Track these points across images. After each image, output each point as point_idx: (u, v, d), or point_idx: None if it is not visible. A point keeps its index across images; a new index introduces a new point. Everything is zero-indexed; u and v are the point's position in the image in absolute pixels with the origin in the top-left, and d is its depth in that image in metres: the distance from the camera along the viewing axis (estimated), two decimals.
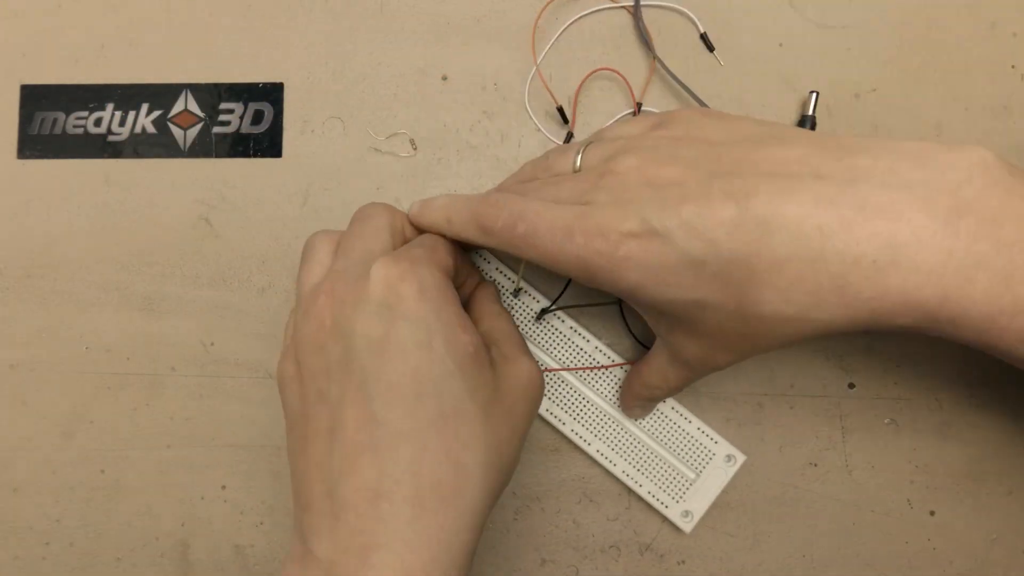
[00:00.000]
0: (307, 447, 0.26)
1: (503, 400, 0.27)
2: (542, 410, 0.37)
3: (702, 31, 0.39)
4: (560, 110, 0.39)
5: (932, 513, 0.38)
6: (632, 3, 0.39)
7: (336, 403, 0.25)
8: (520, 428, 0.27)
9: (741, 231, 0.24)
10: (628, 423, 0.37)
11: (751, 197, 0.24)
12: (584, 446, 0.37)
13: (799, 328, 0.25)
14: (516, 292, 0.37)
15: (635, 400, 0.34)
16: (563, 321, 0.37)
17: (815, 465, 0.38)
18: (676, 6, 0.39)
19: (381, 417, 0.24)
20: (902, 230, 0.23)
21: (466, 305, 0.33)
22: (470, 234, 0.29)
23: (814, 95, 0.38)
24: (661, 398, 0.34)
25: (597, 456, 0.37)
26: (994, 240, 0.23)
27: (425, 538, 0.23)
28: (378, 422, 0.24)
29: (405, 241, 0.30)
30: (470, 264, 0.33)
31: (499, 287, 0.37)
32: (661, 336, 0.30)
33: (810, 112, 0.38)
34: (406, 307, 0.25)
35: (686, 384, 0.31)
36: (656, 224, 0.25)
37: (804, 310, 0.24)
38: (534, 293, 0.38)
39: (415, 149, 0.37)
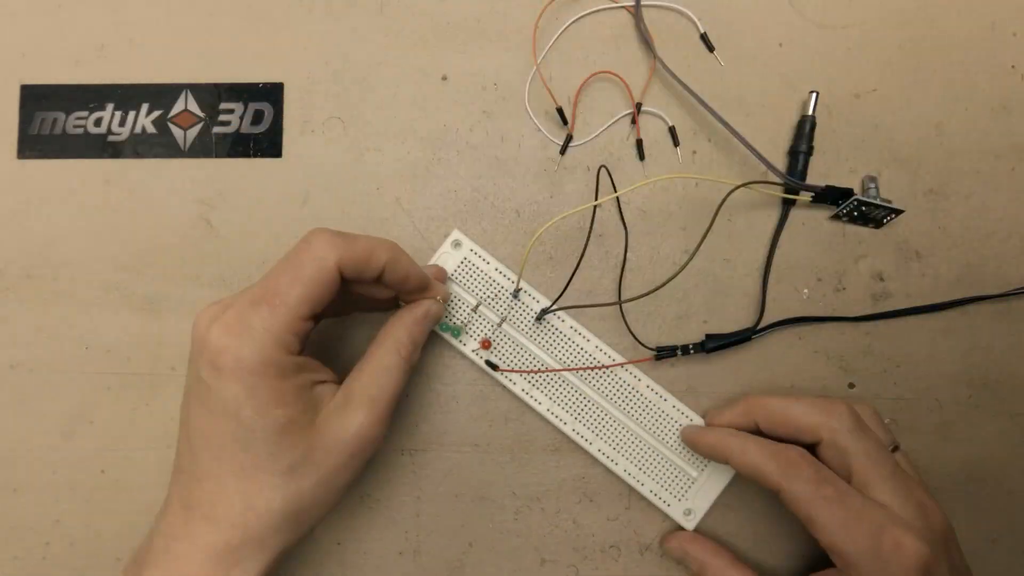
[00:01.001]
0: (181, 434, 0.31)
1: (315, 457, 0.29)
2: (543, 410, 0.37)
3: (702, 31, 0.39)
4: (560, 111, 0.39)
5: None
6: (633, 3, 0.39)
7: (183, 419, 0.31)
8: (331, 480, 0.30)
9: None
10: (630, 422, 0.37)
11: None
12: (586, 445, 0.37)
13: None
14: (516, 293, 0.37)
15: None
16: (563, 321, 0.37)
17: None
18: (676, 6, 0.39)
19: (197, 453, 0.29)
20: None
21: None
22: (767, 467, 0.32)
23: (814, 95, 0.38)
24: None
25: (599, 455, 0.37)
26: None
27: (213, 547, 0.28)
28: (195, 456, 0.29)
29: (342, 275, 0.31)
30: (420, 282, 0.33)
31: (499, 287, 0.37)
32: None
33: (810, 112, 0.38)
34: (224, 377, 0.28)
35: None
36: None
37: None
38: (534, 293, 0.38)
39: None
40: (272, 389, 0.28)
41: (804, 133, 0.38)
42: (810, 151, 0.38)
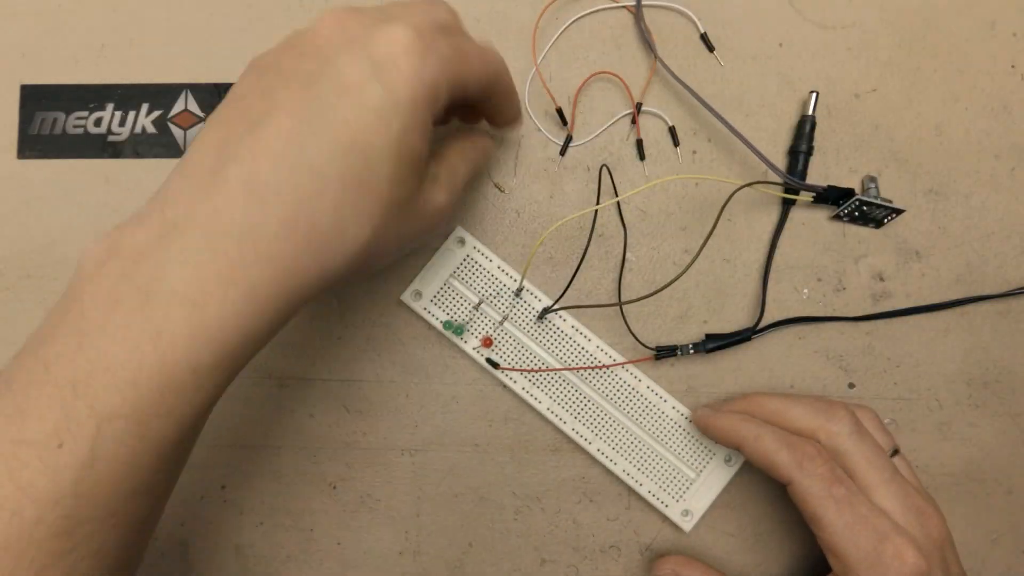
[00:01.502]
0: (225, 123, 0.25)
1: (410, 208, 0.27)
2: (543, 409, 0.37)
3: (702, 31, 0.39)
4: (559, 111, 0.39)
5: None
6: (633, 3, 0.39)
7: (278, 105, 0.24)
8: (403, 236, 0.27)
9: None
10: (629, 422, 0.37)
11: None
12: (585, 445, 0.37)
13: None
14: (518, 292, 0.37)
15: None
16: (564, 320, 0.37)
17: None
18: (676, 6, 0.39)
19: (305, 142, 0.24)
20: None
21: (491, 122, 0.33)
22: (779, 457, 0.31)
23: (814, 95, 0.38)
24: None
25: (598, 455, 0.37)
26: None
27: (276, 254, 0.23)
28: (300, 144, 0.24)
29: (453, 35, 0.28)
30: (510, 117, 0.33)
31: (501, 286, 0.37)
32: None
33: (810, 112, 0.38)
34: (392, 77, 0.25)
35: None
36: None
37: None
38: (536, 292, 0.38)
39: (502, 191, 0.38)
40: (427, 117, 0.26)
41: (804, 133, 0.38)
42: (810, 151, 0.38)
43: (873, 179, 0.38)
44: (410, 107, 0.25)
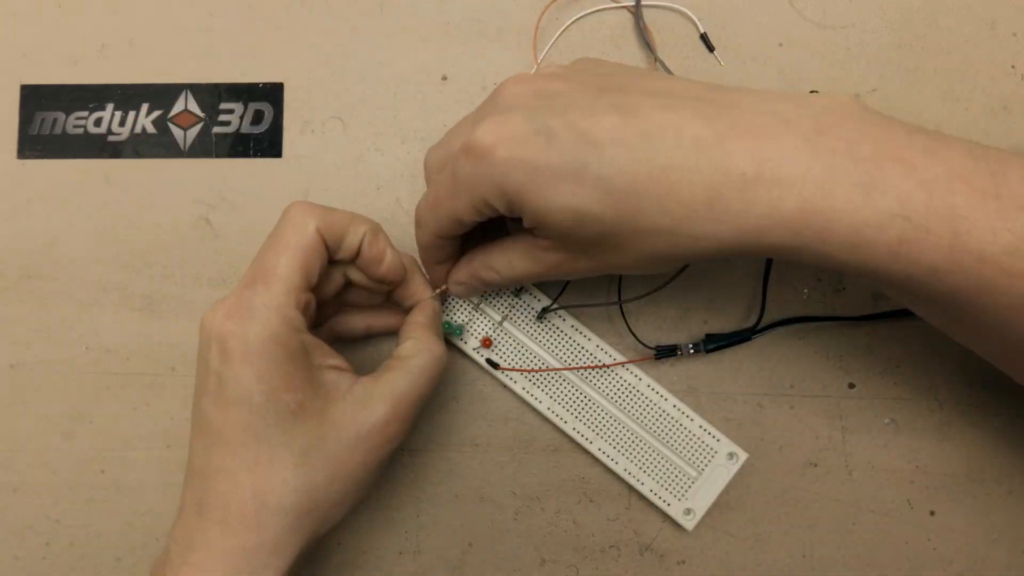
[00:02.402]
0: (191, 454, 0.30)
1: (329, 450, 0.29)
2: (543, 409, 0.37)
3: (702, 31, 0.39)
4: None
5: (932, 513, 0.38)
6: (633, 3, 0.39)
7: (193, 421, 0.30)
8: (346, 475, 0.29)
9: (624, 138, 0.25)
10: (630, 421, 0.37)
11: (635, 109, 0.26)
12: (586, 444, 0.37)
13: (669, 244, 0.26)
14: (518, 291, 0.37)
15: (468, 277, 0.33)
16: (564, 320, 0.37)
17: (815, 465, 0.38)
18: (676, 6, 0.39)
19: (211, 450, 0.29)
20: (768, 146, 0.25)
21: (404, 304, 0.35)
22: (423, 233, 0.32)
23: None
24: (495, 285, 0.33)
25: (599, 454, 0.37)
26: (850, 155, 0.25)
27: (227, 551, 0.28)
28: (208, 453, 0.29)
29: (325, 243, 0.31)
30: (395, 270, 0.33)
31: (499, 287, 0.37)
32: (524, 232, 0.30)
33: None
34: (232, 366, 0.28)
35: (527, 280, 0.32)
36: (540, 125, 0.26)
37: (677, 222, 0.25)
38: (536, 292, 0.38)
39: None
40: (282, 372, 0.28)
41: None
42: None
43: None
44: (257, 382, 0.28)
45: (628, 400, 0.37)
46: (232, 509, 0.28)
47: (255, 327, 0.28)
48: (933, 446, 0.38)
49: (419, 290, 0.34)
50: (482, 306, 0.37)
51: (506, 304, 0.37)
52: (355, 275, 0.33)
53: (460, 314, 0.37)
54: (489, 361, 0.37)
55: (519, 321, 0.37)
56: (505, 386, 0.38)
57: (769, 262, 0.38)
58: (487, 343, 0.37)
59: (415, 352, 0.32)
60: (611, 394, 0.37)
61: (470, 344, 0.37)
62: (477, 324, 0.37)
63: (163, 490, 0.38)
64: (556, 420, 0.37)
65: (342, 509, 0.30)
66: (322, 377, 0.30)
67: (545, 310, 0.37)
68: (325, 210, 0.31)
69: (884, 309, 0.38)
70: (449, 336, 0.37)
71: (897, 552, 0.37)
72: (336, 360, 0.31)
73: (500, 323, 0.37)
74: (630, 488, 0.37)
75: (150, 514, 0.38)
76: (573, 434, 0.37)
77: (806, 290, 0.38)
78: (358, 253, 0.32)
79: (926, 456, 0.38)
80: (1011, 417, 0.38)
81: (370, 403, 0.30)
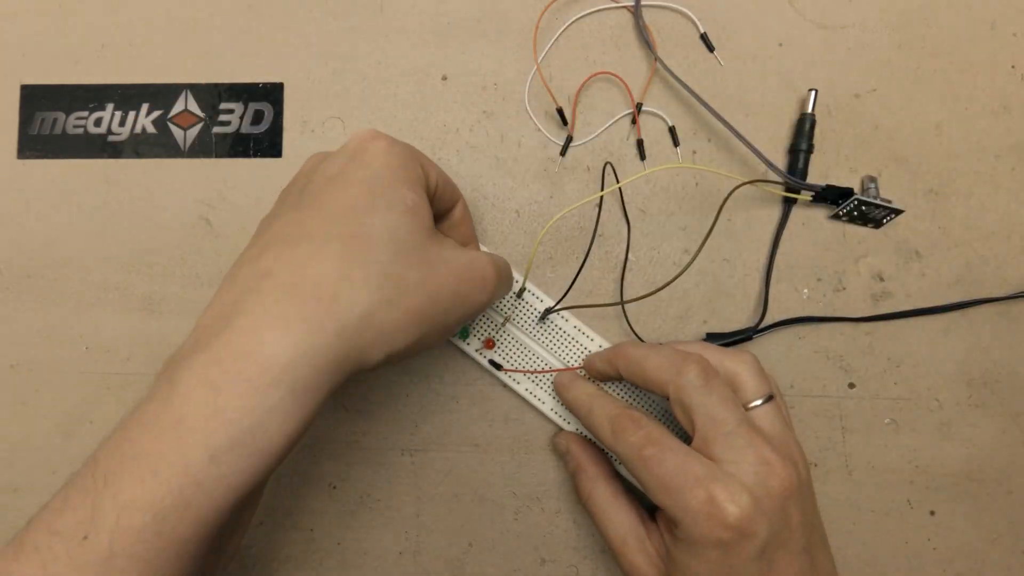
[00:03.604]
0: (246, 251, 0.28)
1: (427, 255, 0.27)
2: (546, 410, 0.37)
3: (702, 31, 0.39)
4: (560, 111, 0.39)
5: (932, 513, 0.38)
6: (633, 3, 0.39)
7: (276, 216, 0.29)
8: (433, 288, 0.27)
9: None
10: None
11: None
12: None
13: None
14: (520, 293, 0.37)
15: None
16: (567, 320, 0.37)
17: (815, 465, 0.38)
18: (676, 6, 0.39)
19: (305, 221, 0.27)
20: None
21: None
22: (602, 432, 0.32)
23: (813, 93, 0.38)
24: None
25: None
26: None
27: (287, 318, 0.24)
28: (300, 224, 0.26)
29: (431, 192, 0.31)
30: (469, 235, 0.34)
31: None
32: (671, 538, 0.31)
33: (810, 110, 0.38)
34: (366, 156, 0.28)
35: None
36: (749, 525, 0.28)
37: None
38: (538, 293, 0.37)
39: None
40: (406, 177, 0.28)
41: (804, 131, 0.38)
42: (810, 149, 0.38)
43: (873, 179, 0.38)
44: (387, 171, 0.28)
45: (630, 400, 0.37)
46: (309, 274, 0.24)
47: (402, 148, 0.29)
48: (933, 446, 0.38)
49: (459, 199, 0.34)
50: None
51: (508, 305, 0.37)
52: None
53: None
54: (492, 362, 0.37)
55: (522, 322, 0.37)
56: (506, 386, 0.38)
57: (771, 261, 0.38)
58: (490, 344, 0.37)
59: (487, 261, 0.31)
60: (613, 394, 0.37)
61: (472, 345, 0.37)
62: (480, 325, 0.37)
63: None
64: (559, 421, 0.37)
65: (404, 339, 0.26)
66: (430, 210, 0.30)
67: (548, 311, 0.37)
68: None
69: (884, 309, 0.38)
70: (452, 338, 0.37)
71: (897, 552, 0.37)
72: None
73: (503, 324, 0.37)
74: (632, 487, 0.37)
75: None
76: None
77: (806, 290, 0.38)
78: (449, 211, 0.33)
79: (926, 456, 0.38)
80: (1011, 417, 0.38)
81: (468, 249, 0.30)
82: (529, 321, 0.37)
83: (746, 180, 0.35)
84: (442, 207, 0.32)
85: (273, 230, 0.27)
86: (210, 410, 0.22)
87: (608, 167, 0.38)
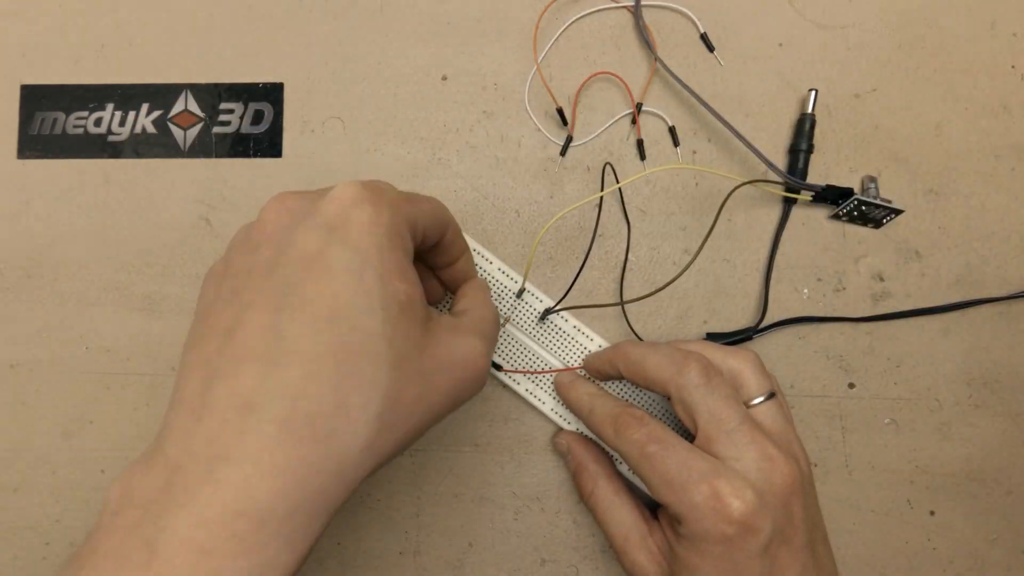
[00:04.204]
0: (200, 343, 0.24)
1: (424, 364, 0.24)
2: (547, 410, 0.37)
3: (702, 31, 0.39)
4: (560, 111, 0.39)
5: (932, 513, 0.38)
6: (633, 3, 0.39)
7: (245, 305, 0.23)
8: (432, 401, 0.25)
9: None
10: None
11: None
12: None
13: None
14: (520, 293, 0.37)
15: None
16: (567, 320, 0.37)
17: (815, 465, 0.38)
18: (676, 6, 0.39)
19: (283, 330, 0.22)
20: None
21: (452, 285, 0.33)
22: (605, 431, 0.32)
23: (813, 93, 0.38)
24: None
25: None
26: None
27: (281, 466, 0.21)
28: (278, 334, 0.22)
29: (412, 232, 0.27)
30: (462, 248, 0.32)
31: (502, 287, 0.37)
32: (673, 535, 0.31)
33: (810, 110, 0.38)
34: (350, 233, 0.24)
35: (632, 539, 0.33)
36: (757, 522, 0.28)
37: None
38: (537, 293, 0.37)
39: None
40: (398, 259, 0.24)
41: (804, 131, 0.38)
42: (810, 149, 0.38)
43: (873, 179, 0.38)
44: (377, 255, 0.24)
45: (631, 400, 0.37)
46: (301, 406, 0.21)
47: (388, 210, 0.25)
48: (933, 446, 0.38)
49: (469, 269, 0.33)
50: None
51: (508, 306, 0.37)
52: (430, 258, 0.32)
53: None
54: (492, 363, 0.37)
55: (521, 323, 0.37)
56: (506, 386, 0.38)
57: (771, 261, 0.38)
58: None
59: (474, 307, 0.30)
60: (614, 393, 0.37)
61: None
62: None
63: None
64: (560, 421, 0.37)
65: (409, 441, 0.25)
66: (422, 290, 0.26)
67: (548, 311, 0.37)
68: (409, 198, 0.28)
69: (884, 309, 0.38)
70: None
71: (897, 552, 0.37)
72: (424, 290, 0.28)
73: (503, 325, 0.37)
74: (634, 486, 0.37)
75: None
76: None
77: (806, 290, 0.38)
78: (436, 244, 0.30)
79: (926, 456, 0.38)
80: (1011, 417, 0.38)
81: (460, 331, 0.27)
82: (529, 321, 0.37)
83: (746, 180, 0.35)
84: (433, 238, 0.29)
85: (246, 334, 0.23)
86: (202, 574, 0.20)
87: (608, 168, 0.38)
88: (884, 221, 0.38)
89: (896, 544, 0.38)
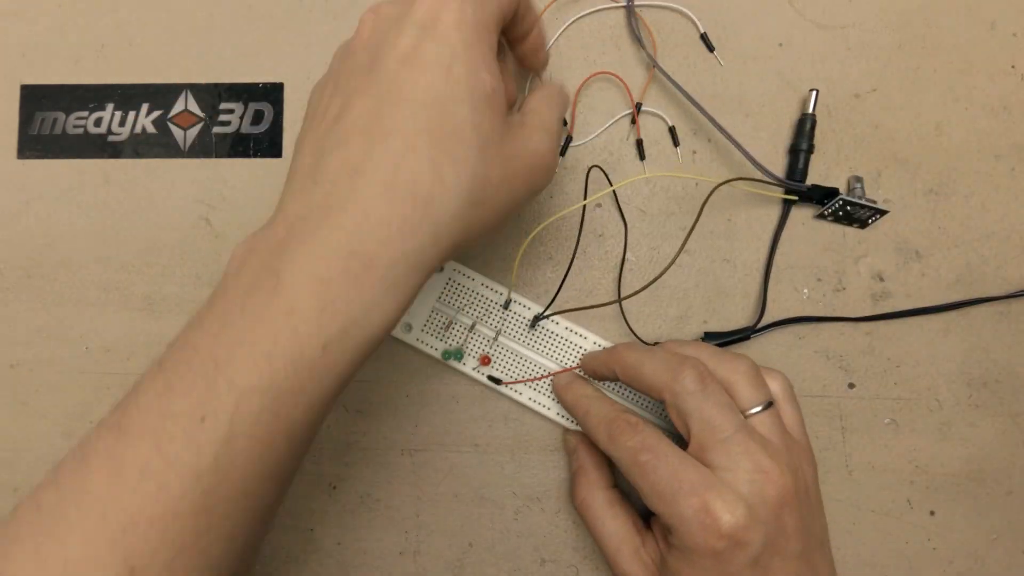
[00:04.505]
0: (311, 128, 0.28)
1: (504, 150, 0.27)
2: (552, 415, 0.37)
3: (702, 31, 0.39)
4: None
5: (932, 513, 0.38)
6: (632, 2, 0.39)
7: (350, 94, 0.27)
8: (513, 187, 0.28)
9: None
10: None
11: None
12: None
13: None
14: (507, 304, 0.37)
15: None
16: (557, 323, 0.37)
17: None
18: (676, 6, 0.39)
19: (385, 111, 0.25)
20: None
21: (526, 61, 0.34)
22: (599, 435, 0.32)
23: (814, 93, 0.38)
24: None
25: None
26: None
27: (385, 218, 0.24)
28: (380, 114, 0.25)
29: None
30: (532, 22, 0.32)
31: (489, 302, 0.37)
32: (665, 545, 0.31)
33: (810, 110, 0.38)
34: (441, 30, 0.26)
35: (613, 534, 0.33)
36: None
37: None
38: (524, 301, 0.37)
39: None
40: (483, 53, 0.27)
41: (804, 131, 0.38)
42: (811, 149, 0.38)
43: (859, 179, 0.38)
44: (465, 49, 0.26)
45: (630, 399, 0.37)
46: (403, 172, 0.25)
47: (476, 7, 0.27)
48: (933, 446, 0.38)
49: (540, 44, 0.33)
50: (476, 327, 0.37)
51: (497, 319, 0.37)
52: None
53: (455, 339, 0.37)
54: (491, 378, 0.37)
55: (513, 333, 0.37)
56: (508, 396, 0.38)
57: (770, 260, 0.38)
58: (486, 361, 0.37)
59: (539, 108, 0.30)
60: (611, 395, 0.37)
61: (469, 365, 0.37)
62: (473, 345, 0.37)
63: None
64: (560, 420, 0.37)
65: (493, 223, 0.28)
66: (504, 83, 0.28)
67: (537, 318, 0.37)
68: None
69: (884, 309, 0.38)
70: (448, 362, 0.37)
71: (897, 552, 0.37)
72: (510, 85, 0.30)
73: (495, 338, 0.37)
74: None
75: None
76: None
77: (806, 290, 0.38)
78: (522, 37, 0.32)
79: (926, 456, 0.38)
80: (1011, 417, 0.38)
81: (529, 127, 0.29)
82: (520, 330, 0.37)
83: (723, 180, 0.34)
84: (521, 32, 0.31)
85: (353, 116, 0.26)
86: (321, 302, 0.23)
87: (599, 170, 0.38)
88: (869, 221, 0.38)
89: (896, 544, 0.38)
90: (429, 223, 0.25)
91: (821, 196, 0.37)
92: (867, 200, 0.37)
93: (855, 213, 0.37)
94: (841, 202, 0.36)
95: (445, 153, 0.25)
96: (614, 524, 0.33)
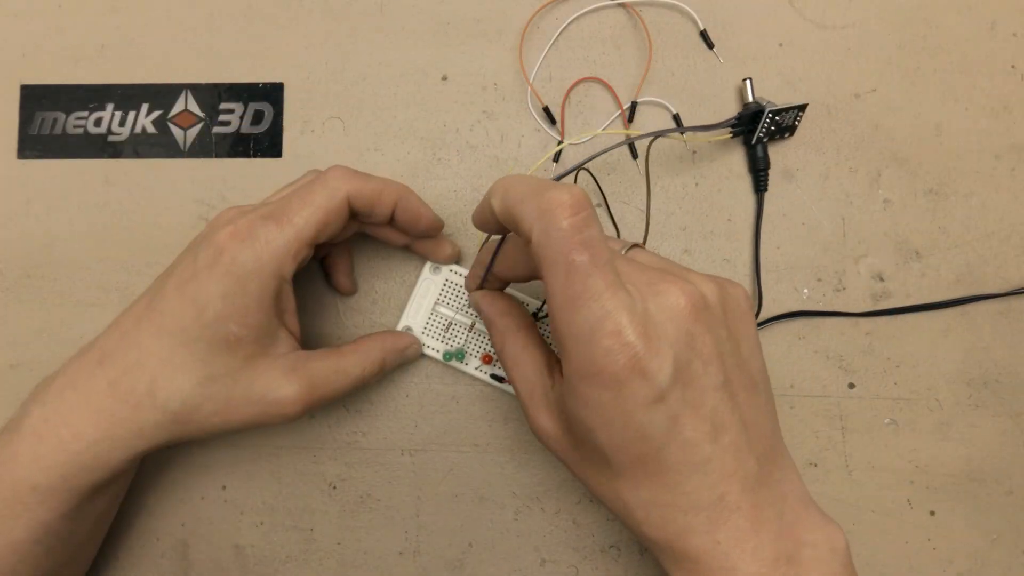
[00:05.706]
0: (129, 309, 0.33)
1: (234, 391, 0.31)
2: None
3: (702, 28, 0.39)
4: (546, 110, 0.39)
5: (932, 513, 0.38)
6: (632, 1, 0.39)
7: (155, 286, 0.32)
8: (225, 419, 0.31)
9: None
10: None
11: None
12: None
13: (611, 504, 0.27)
14: (471, 326, 0.37)
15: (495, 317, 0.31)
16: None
17: (815, 465, 0.38)
18: (676, 2, 0.39)
19: (143, 325, 0.31)
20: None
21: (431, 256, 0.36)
22: (526, 216, 0.25)
23: (748, 81, 0.38)
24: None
25: None
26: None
27: (101, 410, 0.30)
28: (140, 324, 0.31)
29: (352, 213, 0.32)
30: (423, 227, 0.34)
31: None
32: (562, 381, 0.26)
33: (750, 99, 0.38)
34: (212, 270, 0.29)
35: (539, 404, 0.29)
36: (665, 388, 0.23)
37: (631, 520, 0.27)
38: (524, 298, 0.37)
39: None
40: (243, 305, 0.30)
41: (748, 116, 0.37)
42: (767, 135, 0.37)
43: (762, 97, 0.38)
44: (220, 299, 0.29)
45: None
46: (124, 380, 0.30)
47: (248, 256, 0.29)
48: (933, 446, 0.38)
49: (446, 249, 0.37)
50: (476, 326, 0.37)
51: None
52: (380, 232, 0.36)
53: (456, 339, 0.37)
54: (494, 376, 0.37)
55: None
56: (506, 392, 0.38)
57: (756, 253, 0.38)
58: (487, 359, 0.37)
59: (340, 358, 0.33)
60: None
61: (471, 365, 0.37)
62: (473, 344, 0.37)
63: (163, 490, 0.38)
64: None
65: (197, 439, 0.33)
66: (272, 331, 0.31)
67: (535, 316, 0.37)
68: (360, 177, 0.32)
69: (884, 307, 0.38)
70: (451, 362, 0.37)
71: (897, 552, 0.37)
72: (293, 325, 0.33)
73: (470, 329, 0.37)
74: None
75: (150, 514, 0.38)
76: None
77: (806, 290, 0.38)
78: (392, 218, 0.34)
79: (926, 456, 0.38)
80: (1011, 417, 0.38)
81: (290, 377, 0.31)
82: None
83: (654, 132, 0.33)
84: (381, 215, 0.33)
85: (124, 317, 0.32)
86: (34, 454, 0.30)
87: (581, 172, 0.38)
88: (796, 123, 0.38)
89: (896, 544, 0.38)
90: (135, 422, 0.30)
91: (750, 120, 0.37)
92: (783, 105, 0.37)
93: (783, 122, 0.37)
94: (771, 115, 0.36)
95: (167, 377, 0.30)
96: (526, 368, 0.29)
